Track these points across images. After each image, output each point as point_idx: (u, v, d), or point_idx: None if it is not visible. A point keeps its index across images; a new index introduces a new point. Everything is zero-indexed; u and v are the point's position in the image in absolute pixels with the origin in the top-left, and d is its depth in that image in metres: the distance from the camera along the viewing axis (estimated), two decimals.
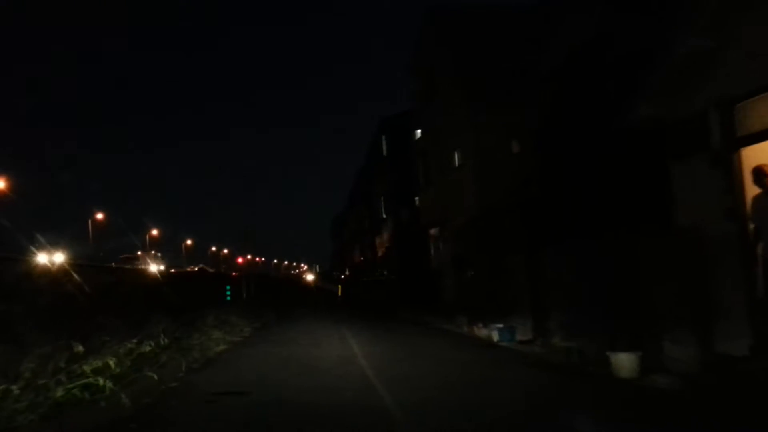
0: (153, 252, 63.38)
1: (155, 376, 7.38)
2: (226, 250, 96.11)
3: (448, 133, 24.32)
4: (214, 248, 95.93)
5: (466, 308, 18.66)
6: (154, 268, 23.33)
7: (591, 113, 10.32)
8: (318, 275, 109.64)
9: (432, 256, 28.38)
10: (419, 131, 30.39)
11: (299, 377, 9.55)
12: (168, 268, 40.55)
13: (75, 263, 13.37)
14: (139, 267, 27.44)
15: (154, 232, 69.03)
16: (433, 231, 27.57)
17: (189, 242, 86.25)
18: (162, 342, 8.95)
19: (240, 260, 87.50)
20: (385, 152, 40.11)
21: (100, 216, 55.46)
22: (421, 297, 27.61)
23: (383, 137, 40.33)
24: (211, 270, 61.18)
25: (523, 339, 13.92)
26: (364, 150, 51.74)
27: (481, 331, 16.08)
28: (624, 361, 8.76)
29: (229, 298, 29.75)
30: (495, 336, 14.64)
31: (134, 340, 8.44)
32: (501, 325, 14.69)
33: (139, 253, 60.11)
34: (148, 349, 8.41)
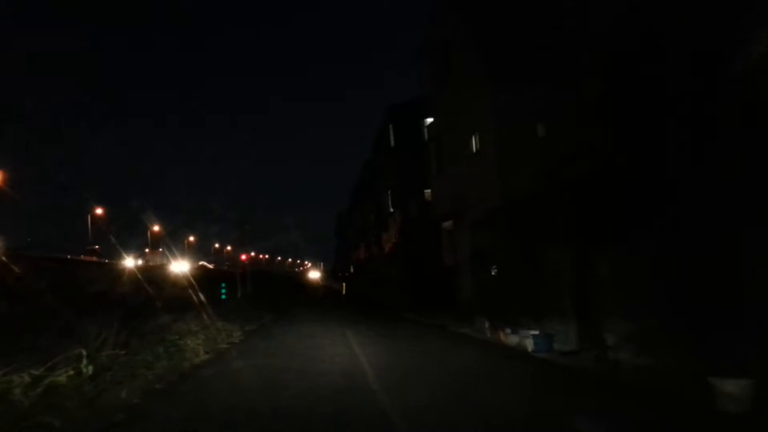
0: (161, 249, 61.14)
1: (56, 423, 4.98)
2: (229, 247, 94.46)
3: (465, 116, 21.95)
4: (217, 245, 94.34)
5: (487, 310, 16.35)
6: (129, 263, 20.90)
7: (677, 59, 7.91)
8: (322, 273, 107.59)
9: (444, 251, 25.99)
10: (430, 119, 28.09)
11: (294, 404, 7.27)
12: (157, 263, 37.84)
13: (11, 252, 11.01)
14: (107, 261, 24.95)
15: (156, 227, 67.03)
16: (446, 224, 25.16)
17: (191, 239, 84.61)
18: (84, 368, 6.43)
19: (243, 257, 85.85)
20: (392, 142, 37.67)
21: (99, 211, 53.56)
22: (433, 296, 25.38)
23: (390, 126, 37.89)
24: (211, 266, 59.12)
25: (565, 350, 11.58)
26: (370, 144, 49.29)
27: (509, 338, 13.76)
28: (733, 389, 6.41)
29: (224, 296, 27.42)
30: (529, 345, 12.32)
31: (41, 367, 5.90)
32: (536, 332, 12.36)
33: (148, 250, 57.88)
34: (63, 377, 5.92)
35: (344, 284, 53.07)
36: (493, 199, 18.87)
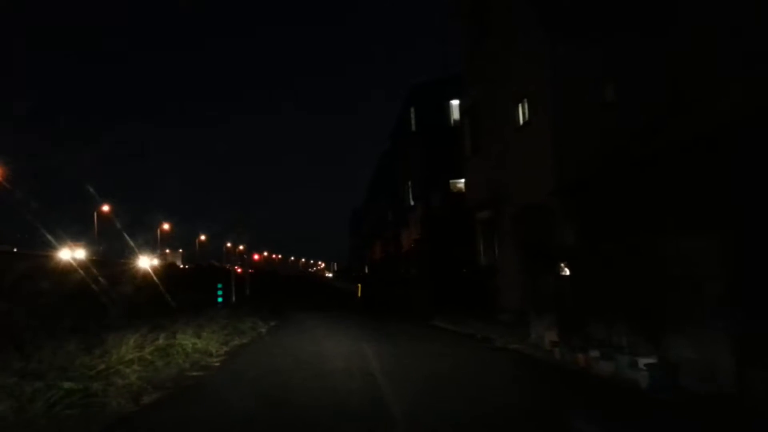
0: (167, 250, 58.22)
1: None
2: (241, 247, 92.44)
3: (508, 82, 18.03)
4: (229, 244, 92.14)
5: (552, 321, 12.32)
6: (66, 255, 16.85)
7: None
8: (334, 273, 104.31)
9: (478, 247, 21.94)
10: (456, 101, 24.41)
11: None
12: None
13: None
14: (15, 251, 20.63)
15: (166, 226, 64.16)
16: (481, 215, 21.11)
17: (203, 238, 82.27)
18: None
19: (256, 257, 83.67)
20: (414, 127, 33.71)
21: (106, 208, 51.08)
22: (463, 300, 21.37)
23: (412, 109, 33.94)
24: (220, 265, 55.93)
25: (706, 390, 7.49)
26: (387, 135, 45.23)
27: (600, 365, 9.68)
28: None
29: (221, 300, 23.59)
30: (641, 379, 8.26)
31: None
32: (653, 361, 8.31)
33: (168, 251, 55.19)
34: None
35: (359, 285, 48.93)
36: (546, 180, 14.92)
